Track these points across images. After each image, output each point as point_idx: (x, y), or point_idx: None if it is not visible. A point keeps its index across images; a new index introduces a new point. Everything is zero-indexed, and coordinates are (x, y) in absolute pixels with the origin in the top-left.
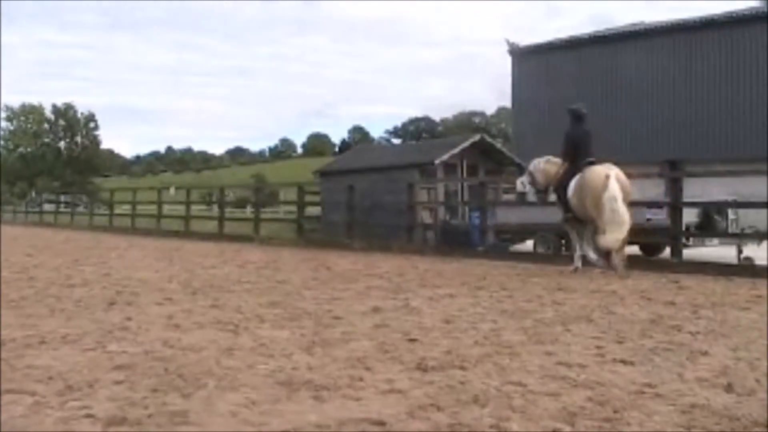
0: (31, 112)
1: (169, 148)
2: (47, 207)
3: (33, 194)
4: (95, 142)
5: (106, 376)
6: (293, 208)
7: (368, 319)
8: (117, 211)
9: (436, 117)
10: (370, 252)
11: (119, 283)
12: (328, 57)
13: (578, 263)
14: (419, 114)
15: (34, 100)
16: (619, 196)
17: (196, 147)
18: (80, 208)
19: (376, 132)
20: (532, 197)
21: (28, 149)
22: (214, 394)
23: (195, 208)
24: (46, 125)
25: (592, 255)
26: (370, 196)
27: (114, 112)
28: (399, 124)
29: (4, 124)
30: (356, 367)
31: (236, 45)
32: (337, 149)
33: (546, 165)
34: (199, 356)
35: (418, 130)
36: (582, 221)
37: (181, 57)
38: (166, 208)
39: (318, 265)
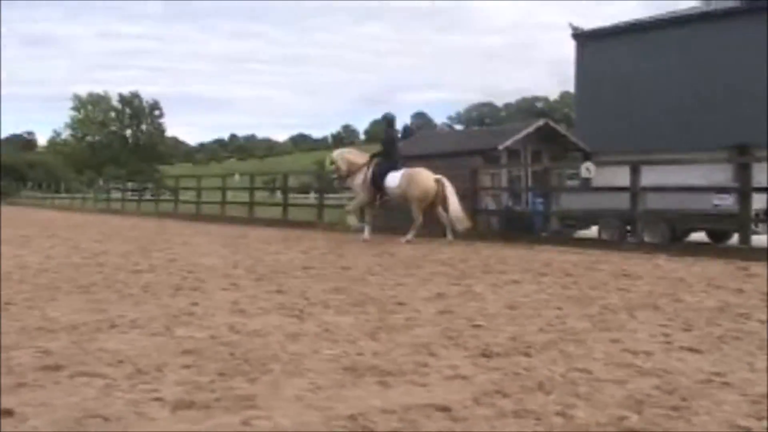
0: (98, 101)
1: (233, 136)
2: (114, 194)
3: (101, 182)
4: (160, 130)
5: (174, 360)
6: None
7: (432, 305)
8: (182, 197)
9: (499, 103)
10: (432, 238)
11: (185, 269)
12: (389, 44)
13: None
14: (481, 100)
15: (100, 90)
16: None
17: (260, 134)
18: (146, 195)
19: (439, 118)
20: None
21: (96, 137)
22: (280, 378)
23: (259, 195)
24: (112, 114)
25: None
26: None
27: (178, 101)
28: (461, 110)
29: (72, 113)
30: (421, 353)
31: (297, 33)
32: (399, 135)
33: (350, 156)
34: (264, 341)
35: (480, 116)
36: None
37: (243, 45)
38: (231, 195)
39: (381, 251)
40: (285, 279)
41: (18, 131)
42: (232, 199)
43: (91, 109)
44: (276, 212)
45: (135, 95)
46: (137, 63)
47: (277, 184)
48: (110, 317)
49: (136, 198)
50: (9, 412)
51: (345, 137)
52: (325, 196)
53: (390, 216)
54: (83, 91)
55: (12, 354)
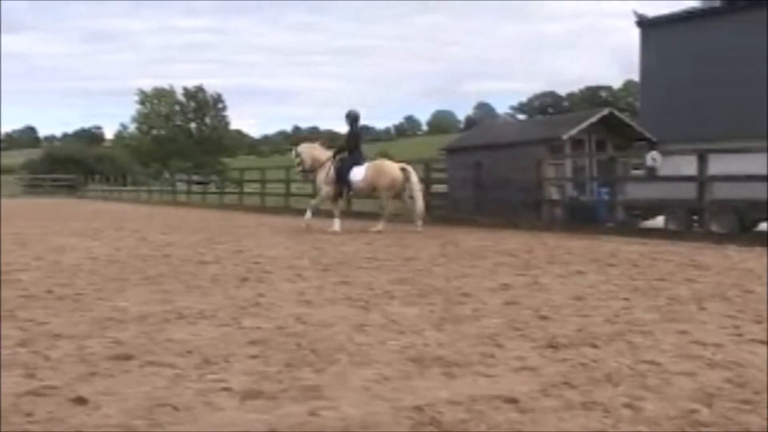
0: (163, 95)
1: (296, 127)
2: (180, 187)
3: (166, 175)
4: (224, 122)
5: (241, 350)
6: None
7: (498, 295)
8: (246, 189)
9: (562, 92)
10: (497, 229)
11: (251, 260)
12: (450, 34)
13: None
14: (544, 89)
15: (163, 84)
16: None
17: (322, 126)
18: (211, 188)
19: (501, 108)
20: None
21: (161, 131)
22: (347, 369)
23: None
24: (177, 107)
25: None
26: (497, 172)
27: (241, 93)
28: (524, 99)
29: (138, 107)
30: (487, 344)
31: (358, 24)
32: (462, 126)
33: (315, 151)
34: (330, 332)
35: (543, 106)
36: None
37: (304, 37)
38: (295, 187)
39: (445, 242)
40: (350, 270)
41: (86, 126)
42: (296, 191)
43: (156, 103)
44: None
45: (199, 89)
46: (200, 56)
47: None
48: (178, 308)
49: (201, 190)
50: (82, 400)
51: (407, 128)
52: None
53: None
54: (148, 85)
55: (84, 343)
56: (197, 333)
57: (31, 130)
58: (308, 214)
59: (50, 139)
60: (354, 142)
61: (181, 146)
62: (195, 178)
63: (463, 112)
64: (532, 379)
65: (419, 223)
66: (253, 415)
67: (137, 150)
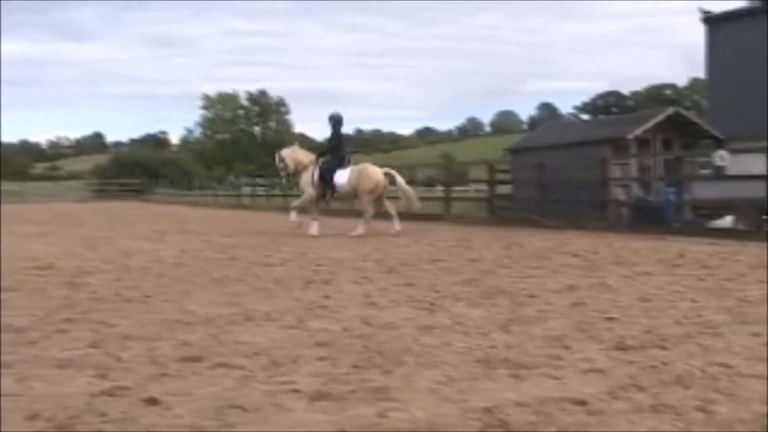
0: (227, 99)
1: (358, 130)
2: (244, 190)
3: (231, 178)
4: (287, 125)
5: (308, 352)
6: (483, 186)
7: (564, 297)
8: None
9: (625, 91)
10: (561, 230)
11: (315, 262)
12: (511, 34)
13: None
14: (607, 88)
15: (227, 89)
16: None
17: (384, 128)
18: (275, 190)
19: (565, 108)
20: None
21: (225, 135)
22: (414, 370)
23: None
24: (241, 112)
25: (315, 229)
26: (561, 172)
27: (303, 96)
28: (587, 99)
29: (202, 112)
30: (554, 346)
31: (419, 25)
32: (524, 126)
33: (297, 155)
34: (397, 333)
35: (607, 105)
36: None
37: (366, 39)
38: None
39: (510, 243)
40: (414, 271)
41: (152, 131)
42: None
43: (220, 108)
44: (403, 205)
45: (262, 93)
46: (263, 60)
47: (403, 177)
48: (245, 310)
49: (265, 193)
50: (154, 400)
51: (470, 129)
52: (452, 188)
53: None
54: (212, 89)
55: (154, 345)
56: (264, 335)
57: (98, 136)
58: (293, 215)
59: (117, 144)
60: (337, 145)
61: (245, 149)
62: (259, 180)
63: (525, 112)
64: (601, 381)
65: (397, 227)
66: (322, 416)
67: (202, 154)
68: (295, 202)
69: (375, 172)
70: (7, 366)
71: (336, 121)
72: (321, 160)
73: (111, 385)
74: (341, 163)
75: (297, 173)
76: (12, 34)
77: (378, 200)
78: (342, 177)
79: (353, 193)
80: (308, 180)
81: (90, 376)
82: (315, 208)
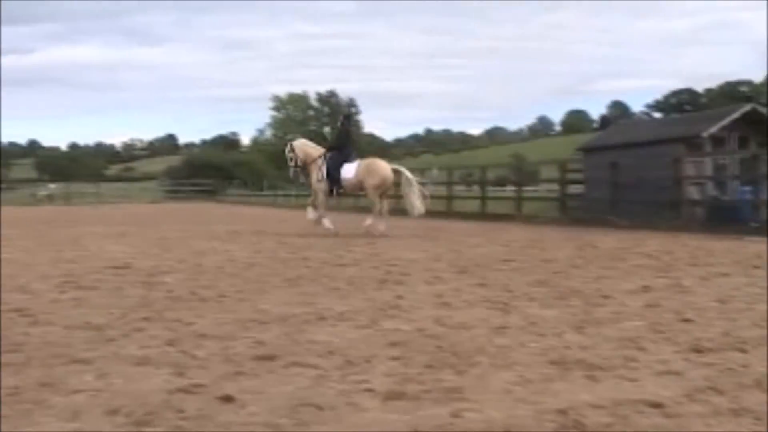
0: (297, 101)
1: (428, 130)
2: None
3: (302, 179)
4: (357, 126)
5: (382, 352)
6: (555, 186)
7: (638, 298)
8: None
9: (699, 88)
10: (635, 229)
11: (388, 262)
12: (581, 33)
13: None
14: (680, 86)
15: (298, 90)
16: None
17: (454, 128)
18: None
19: (636, 106)
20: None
21: (296, 136)
22: (488, 371)
23: (456, 188)
24: (311, 113)
25: (328, 223)
26: (634, 172)
27: (373, 97)
28: (660, 97)
29: (273, 113)
30: (629, 347)
31: (488, 25)
32: (595, 125)
33: (307, 148)
34: (470, 334)
35: (680, 103)
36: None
37: (434, 40)
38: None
39: (583, 243)
40: (487, 272)
41: (223, 132)
42: (431, 194)
43: (290, 109)
44: (474, 205)
45: (332, 93)
46: (333, 62)
47: (474, 177)
48: (318, 310)
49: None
50: (229, 398)
51: (540, 129)
52: (524, 188)
53: (593, 208)
54: (282, 91)
55: (229, 343)
56: (338, 334)
57: (171, 138)
58: (310, 212)
59: (189, 146)
60: (344, 140)
61: None
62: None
63: (596, 111)
64: (677, 384)
65: (417, 209)
66: (396, 416)
67: (273, 154)
68: (311, 200)
69: (383, 167)
70: (87, 362)
71: (346, 117)
72: (328, 155)
73: (188, 382)
74: (347, 158)
75: (305, 165)
76: (87, 40)
77: (383, 196)
78: (349, 171)
79: (360, 187)
80: (317, 177)
81: (167, 374)
82: (324, 204)
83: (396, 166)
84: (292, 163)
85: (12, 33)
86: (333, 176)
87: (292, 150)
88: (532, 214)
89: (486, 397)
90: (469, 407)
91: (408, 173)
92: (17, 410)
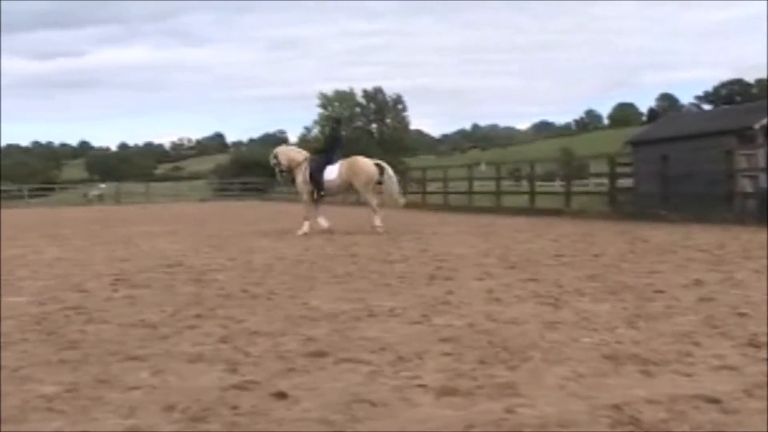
0: (343, 98)
1: (475, 125)
2: None
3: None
4: (404, 123)
5: (434, 347)
6: (604, 180)
7: (691, 292)
8: (428, 188)
9: (749, 78)
10: (686, 223)
11: (437, 258)
12: (628, 24)
13: (307, 229)
14: (730, 76)
15: (344, 87)
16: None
17: (501, 123)
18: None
19: (686, 98)
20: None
21: (343, 133)
22: (541, 366)
23: (504, 184)
24: (358, 110)
25: (323, 222)
26: (685, 165)
27: (419, 94)
28: (710, 88)
29: (320, 110)
30: (683, 342)
31: (533, 19)
32: (644, 118)
33: (291, 153)
34: (522, 329)
35: (730, 94)
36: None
37: (480, 35)
38: (477, 185)
39: (633, 237)
40: (537, 267)
41: (270, 130)
42: (479, 189)
43: (337, 106)
44: (522, 201)
45: (378, 90)
46: (379, 59)
47: (522, 172)
48: (368, 306)
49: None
50: (283, 395)
51: (588, 123)
52: (572, 183)
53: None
54: (328, 88)
55: (281, 340)
56: (389, 330)
57: (219, 137)
58: (323, 222)
59: (237, 144)
60: (331, 144)
61: (363, 147)
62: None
63: (645, 104)
64: (735, 379)
65: (378, 223)
66: (449, 412)
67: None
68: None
69: (366, 164)
70: (142, 360)
71: (335, 122)
72: (311, 158)
73: (241, 379)
74: (330, 160)
75: (290, 170)
76: (137, 42)
77: (373, 191)
78: (332, 173)
79: (345, 187)
80: (302, 180)
81: (221, 371)
82: (305, 208)
83: (378, 161)
84: (277, 169)
85: (64, 36)
86: (316, 179)
87: (276, 157)
88: (581, 209)
89: (539, 393)
90: (522, 403)
91: (389, 170)
92: (75, 407)
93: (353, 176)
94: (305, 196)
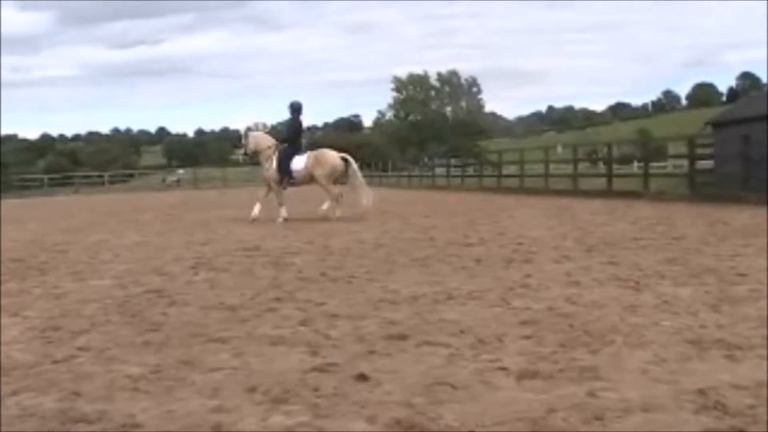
0: (418, 81)
1: (551, 107)
2: (438, 170)
3: (425, 159)
4: (479, 105)
5: (513, 331)
6: (683, 162)
7: None
8: (504, 172)
9: None
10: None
11: (514, 241)
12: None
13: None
14: None
15: (419, 70)
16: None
17: (577, 105)
18: (469, 171)
19: None
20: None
21: (417, 117)
22: (622, 350)
23: (580, 166)
24: (432, 93)
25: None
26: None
27: (494, 76)
28: None
29: (394, 94)
30: None
31: None
32: (724, 98)
33: (259, 138)
34: (602, 312)
35: None
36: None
37: (556, 15)
38: (553, 167)
39: (714, 220)
40: (616, 250)
41: (345, 114)
42: (555, 172)
43: (411, 90)
44: (600, 183)
45: (453, 73)
46: (454, 41)
47: (599, 154)
48: (447, 289)
49: (460, 174)
50: (364, 377)
51: (665, 104)
52: (650, 164)
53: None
54: (403, 72)
55: (360, 324)
56: (468, 313)
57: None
58: (256, 209)
59: (312, 129)
60: (294, 133)
61: (438, 131)
62: (453, 161)
63: (724, 83)
64: None
65: (338, 214)
66: (531, 395)
67: (395, 136)
68: (268, 194)
69: (332, 157)
70: (224, 342)
71: (295, 109)
72: (279, 147)
73: (322, 361)
74: (297, 150)
75: (255, 154)
76: (212, 29)
77: (335, 184)
78: (299, 163)
79: (310, 178)
80: (267, 167)
81: (302, 353)
82: (278, 195)
83: (345, 155)
84: (242, 151)
85: (143, 26)
86: (283, 167)
87: (245, 137)
88: (659, 191)
89: (622, 377)
90: (605, 387)
91: (354, 165)
92: (160, 387)
93: (317, 166)
94: (272, 184)
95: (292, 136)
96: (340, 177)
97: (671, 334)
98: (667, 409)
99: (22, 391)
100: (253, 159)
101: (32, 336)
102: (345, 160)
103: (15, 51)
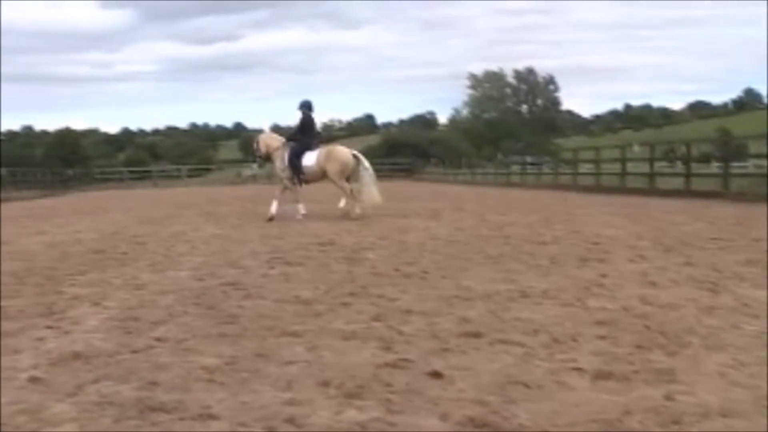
0: (493, 78)
1: (627, 105)
2: (513, 168)
3: (500, 156)
4: (555, 103)
5: (588, 330)
6: (764, 161)
7: None
8: (580, 170)
9: None
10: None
11: (589, 240)
12: None
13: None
14: None
15: (495, 68)
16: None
17: (655, 103)
18: (544, 169)
19: None
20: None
21: (493, 114)
22: (699, 353)
23: (658, 165)
24: (508, 90)
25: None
26: None
27: (571, 73)
28: None
29: (470, 91)
30: None
31: None
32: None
33: (269, 139)
34: (678, 314)
35: None
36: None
37: (634, 11)
38: (629, 166)
39: None
40: (692, 250)
41: (420, 111)
42: (632, 170)
43: (487, 87)
44: (677, 183)
45: (530, 71)
46: (531, 38)
47: (677, 153)
48: (521, 287)
49: (535, 171)
50: (437, 374)
51: (747, 102)
52: (731, 164)
53: None
54: (479, 69)
55: (434, 320)
56: (542, 312)
57: (369, 118)
58: (273, 207)
59: (387, 125)
60: (305, 129)
61: (513, 128)
62: (528, 159)
63: None
64: None
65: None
66: (606, 396)
67: (469, 133)
68: (281, 190)
69: (342, 153)
70: (298, 335)
71: (306, 107)
72: (290, 144)
73: (395, 357)
74: (309, 146)
75: (268, 155)
76: (290, 25)
77: (347, 181)
78: (310, 159)
79: (321, 174)
80: (279, 165)
81: (375, 348)
82: (293, 192)
83: (356, 153)
84: (258, 153)
85: (222, 22)
86: (294, 164)
87: (256, 142)
88: (739, 191)
89: (699, 380)
90: (682, 390)
91: (366, 162)
92: (235, 379)
93: (327, 162)
94: (285, 181)
95: (303, 132)
96: (351, 174)
97: (751, 337)
98: (747, 414)
99: (103, 378)
100: (269, 161)
101: (112, 326)
102: (356, 157)
103: (98, 47)
